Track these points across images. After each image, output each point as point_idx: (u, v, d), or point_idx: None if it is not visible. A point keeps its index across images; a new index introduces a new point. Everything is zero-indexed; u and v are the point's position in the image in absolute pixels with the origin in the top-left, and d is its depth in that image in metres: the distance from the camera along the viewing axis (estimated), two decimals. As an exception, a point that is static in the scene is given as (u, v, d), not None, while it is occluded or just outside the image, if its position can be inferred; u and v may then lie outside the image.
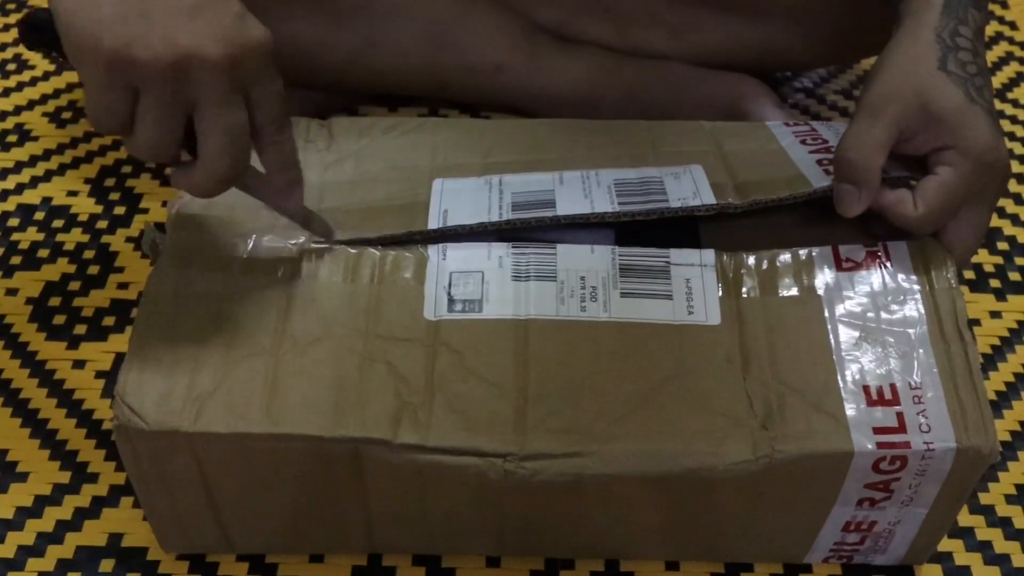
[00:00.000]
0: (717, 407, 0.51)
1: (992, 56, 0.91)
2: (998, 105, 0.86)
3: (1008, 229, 0.77)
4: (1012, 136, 0.84)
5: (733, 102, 0.79)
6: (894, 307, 0.54)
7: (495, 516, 0.54)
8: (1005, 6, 0.97)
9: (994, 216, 0.77)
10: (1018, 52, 0.92)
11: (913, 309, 0.54)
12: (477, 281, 0.55)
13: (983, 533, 0.61)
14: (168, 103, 0.45)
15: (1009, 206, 0.79)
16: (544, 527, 0.56)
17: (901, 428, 0.51)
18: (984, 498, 0.62)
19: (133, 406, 0.50)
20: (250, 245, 0.56)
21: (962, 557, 0.60)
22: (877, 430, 0.50)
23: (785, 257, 0.56)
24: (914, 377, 0.52)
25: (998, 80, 0.89)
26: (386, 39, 0.77)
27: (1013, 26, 0.95)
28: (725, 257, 0.56)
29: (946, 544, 0.60)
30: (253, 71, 0.47)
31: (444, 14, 0.77)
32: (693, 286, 0.55)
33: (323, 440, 0.50)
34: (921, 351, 0.53)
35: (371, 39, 0.77)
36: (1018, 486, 0.63)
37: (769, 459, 0.50)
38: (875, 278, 0.55)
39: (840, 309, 0.54)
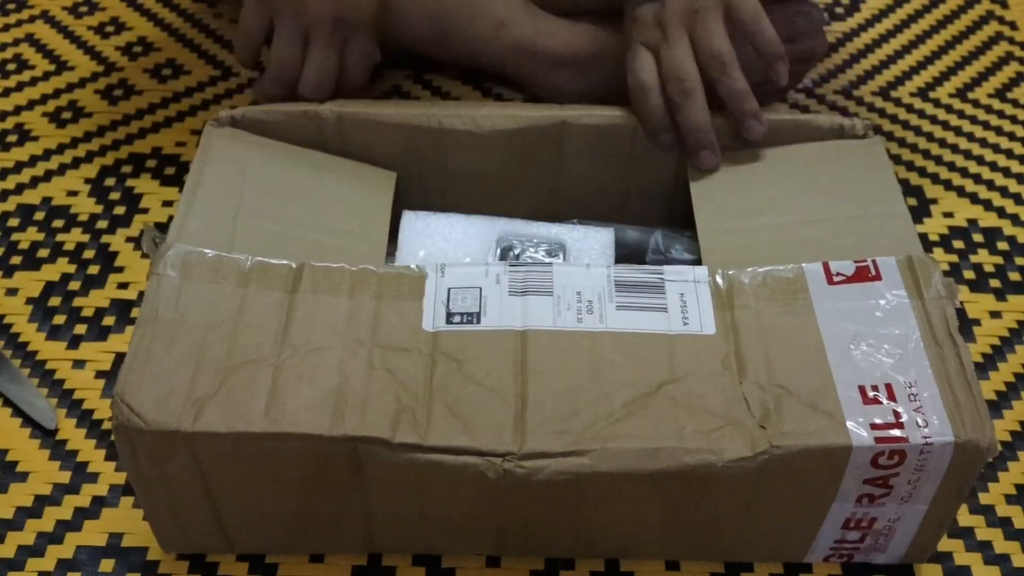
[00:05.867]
0: (715, 408, 0.51)
1: (992, 56, 0.91)
2: (998, 105, 0.86)
3: (1008, 229, 0.77)
4: (1012, 136, 0.84)
5: None
6: (886, 319, 0.54)
7: (495, 516, 0.54)
8: (1005, 6, 0.96)
9: (994, 216, 0.78)
10: (1018, 52, 0.92)
11: (905, 319, 0.54)
12: (475, 296, 0.55)
13: (983, 533, 0.61)
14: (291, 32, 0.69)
15: (1009, 206, 0.79)
16: (544, 527, 0.56)
17: (898, 423, 0.51)
18: (984, 498, 0.62)
19: (132, 406, 0.50)
20: (252, 259, 0.56)
21: (962, 557, 0.59)
22: (875, 426, 0.51)
23: (777, 273, 0.56)
24: (910, 377, 0.52)
25: (998, 80, 0.89)
26: None
27: (1013, 26, 0.94)
28: (719, 273, 0.56)
29: (946, 544, 0.60)
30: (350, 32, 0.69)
31: None
32: (688, 299, 0.55)
33: (322, 439, 0.50)
34: (915, 356, 0.53)
35: None
36: (1018, 486, 0.63)
37: (767, 456, 0.50)
38: (866, 291, 0.56)
39: (833, 322, 0.54)
